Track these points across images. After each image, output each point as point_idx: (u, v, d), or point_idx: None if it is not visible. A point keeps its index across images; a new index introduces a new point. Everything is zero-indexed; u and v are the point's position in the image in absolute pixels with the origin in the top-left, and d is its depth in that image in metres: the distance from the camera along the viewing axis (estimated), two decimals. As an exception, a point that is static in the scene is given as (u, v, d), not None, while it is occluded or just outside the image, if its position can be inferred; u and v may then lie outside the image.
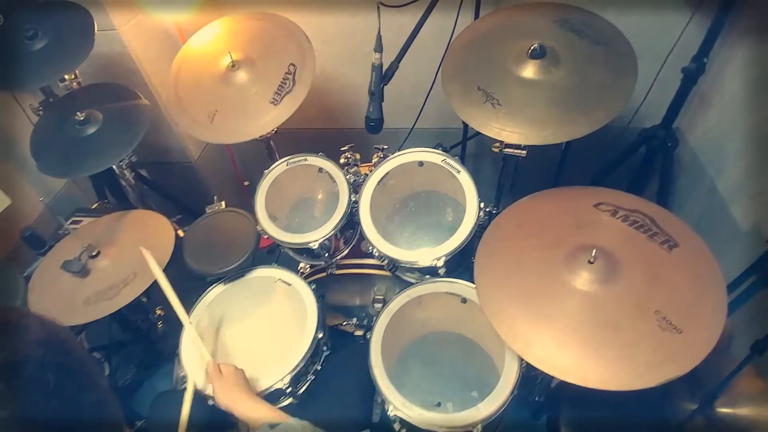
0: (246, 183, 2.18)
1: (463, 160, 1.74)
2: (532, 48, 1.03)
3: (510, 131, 1.00)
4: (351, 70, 1.83)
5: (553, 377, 1.47)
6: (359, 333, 1.58)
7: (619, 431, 1.25)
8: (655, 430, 1.30)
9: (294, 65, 1.26)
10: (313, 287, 1.31)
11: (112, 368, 1.84)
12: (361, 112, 1.94)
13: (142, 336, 1.77)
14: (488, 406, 1.05)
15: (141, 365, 1.83)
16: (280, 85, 1.23)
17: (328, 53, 1.75)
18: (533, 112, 1.01)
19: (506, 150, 1.28)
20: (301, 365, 1.18)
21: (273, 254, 2.06)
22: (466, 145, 1.81)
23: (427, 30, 1.21)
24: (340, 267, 1.46)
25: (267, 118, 1.21)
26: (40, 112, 1.48)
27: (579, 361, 0.94)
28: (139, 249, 1.13)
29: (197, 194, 1.97)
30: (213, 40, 1.41)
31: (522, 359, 1.12)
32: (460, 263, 1.37)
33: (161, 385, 1.76)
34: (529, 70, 1.04)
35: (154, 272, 1.10)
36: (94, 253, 1.19)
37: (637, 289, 1.00)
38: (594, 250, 1.01)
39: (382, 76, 1.07)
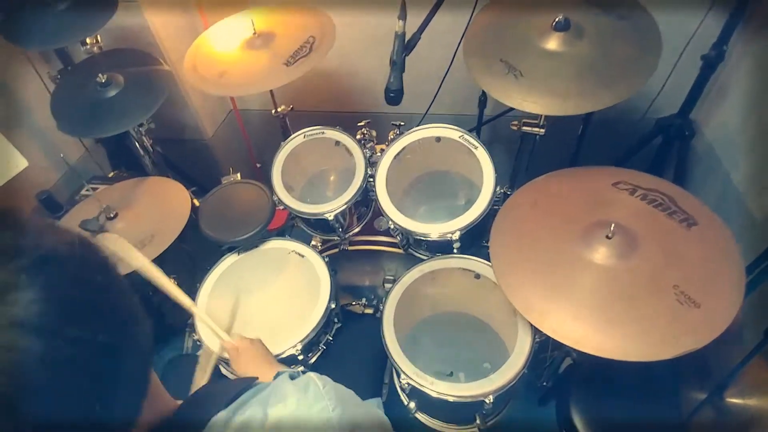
0: (258, 165, 2.19)
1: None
2: (556, 20, 1.03)
3: (531, 102, 1.01)
4: (367, 54, 1.84)
5: (561, 361, 1.47)
6: (369, 311, 1.58)
7: (627, 414, 1.24)
8: (665, 417, 1.29)
9: (314, 37, 1.27)
10: (326, 260, 1.32)
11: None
12: (376, 96, 1.96)
13: (152, 309, 1.77)
14: (501, 377, 1.05)
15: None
16: (296, 51, 1.24)
17: (344, 37, 1.76)
18: (555, 83, 1.01)
19: (524, 128, 1.29)
20: (314, 334, 1.18)
21: (283, 234, 2.07)
22: (481, 131, 1.81)
23: (445, 12, 1.21)
24: (352, 243, 1.46)
25: (278, 76, 1.22)
26: (58, 80, 1.49)
27: (595, 332, 0.94)
28: (157, 212, 1.13)
29: (209, 172, 1.98)
30: (238, 22, 1.42)
31: (535, 334, 1.12)
32: (472, 245, 1.37)
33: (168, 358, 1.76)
34: (553, 43, 1.04)
35: (139, 264, 0.96)
36: (111, 215, 1.19)
37: (655, 264, 0.99)
38: (612, 225, 1.01)
39: (405, 46, 1.07)
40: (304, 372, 0.58)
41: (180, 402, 0.53)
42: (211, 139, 2.03)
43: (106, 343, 0.35)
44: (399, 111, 1.80)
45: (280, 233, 2.10)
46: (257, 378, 0.61)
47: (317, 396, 0.52)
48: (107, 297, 0.38)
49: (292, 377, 0.58)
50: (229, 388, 0.54)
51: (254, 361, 0.99)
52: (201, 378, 1.02)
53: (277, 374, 0.60)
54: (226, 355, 1.10)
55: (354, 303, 1.62)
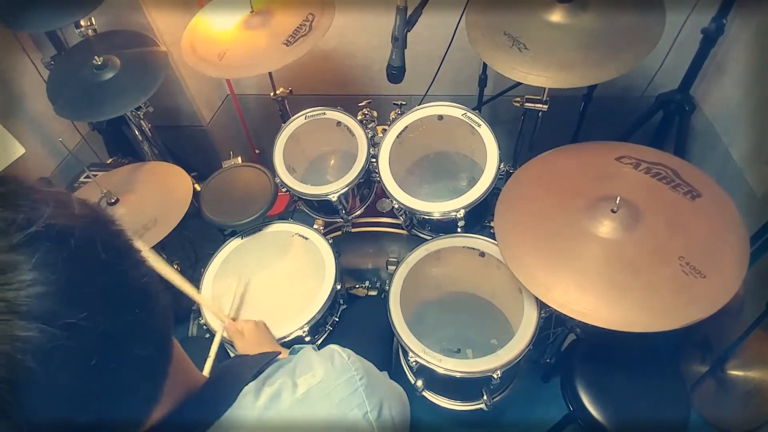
0: (257, 151, 2.17)
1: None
2: (560, -8, 1.02)
3: (536, 75, 1.00)
4: (365, 35, 1.82)
5: (565, 338, 1.49)
6: (372, 293, 1.58)
7: (632, 388, 1.26)
8: (668, 388, 1.31)
9: (313, 14, 1.24)
10: (330, 242, 1.31)
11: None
12: (375, 77, 1.94)
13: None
14: (508, 352, 1.05)
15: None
16: (296, 30, 1.22)
17: (342, 18, 1.74)
18: (560, 55, 1.00)
19: (527, 104, 1.28)
20: (320, 315, 1.18)
21: (284, 219, 2.06)
22: (481, 111, 1.79)
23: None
24: (355, 225, 1.46)
25: (278, 57, 1.20)
26: (52, 65, 1.47)
27: (601, 304, 0.94)
28: (158, 196, 1.12)
29: (208, 159, 1.97)
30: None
31: (541, 309, 1.12)
32: (476, 224, 1.37)
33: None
34: (557, 15, 1.03)
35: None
36: (112, 200, 1.18)
37: (659, 236, 1.00)
38: (618, 198, 1.01)
39: (406, 21, 1.06)
40: (319, 347, 0.58)
41: (206, 375, 0.52)
42: (209, 126, 2.01)
43: (109, 331, 0.32)
44: (399, 92, 1.78)
45: (282, 218, 2.10)
46: (279, 353, 0.62)
47: (344, 366, 0.52)
48: (113, 278, 0.34)
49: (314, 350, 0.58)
50: (253, 362, 0.54)
51: (259, 343, 0.99)
52: (208, 365, 1.02)
53: (292, 349, 0.60)
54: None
55: (357, 286, 1.62)
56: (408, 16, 1.07)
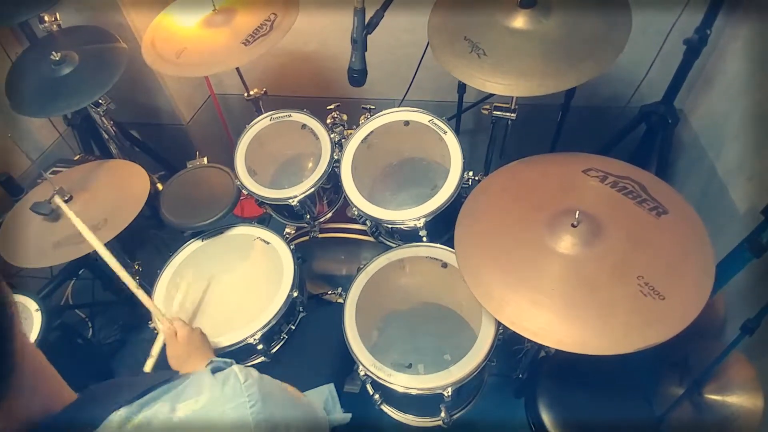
0: (238, 151, 2.15)
1: (458, 134, 1.69)
2: (522, -4, 0.98)
3: (494, 82, 0.96)
4: (347, 38, 1.79)
5: (537, 353, 1.44)
6: (341, 300, 1.55)
7: (597, 409, 1.21)
8: (634, 410, 1.26)
9: (275, 14, 1.22)
10: (292, 247, 1.28)
11: (95, 328, 1.84)
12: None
13: (124, 296, 1.75)
14: (460, 370, 1.01)
15: (124, 326, 1.81)
16: (256, 29, 1.20)
17: (324, 20, 1.71)
18: (520, 62, 0.96)
19: (495, 112, 1.24)
20: (273, 322, 1.15)
21: (263, 223, 2.03)
22: (461, 118, 1.76)
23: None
24: (323, 231, 1.43)
25: (235, 56, 1.18)
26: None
27: (554, 323, 0.90)
28: (113, 196, 1.10)
29: (187, 158, 1.94)
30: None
31: (499, 325, 1.08)
32: (444, 232, 1.33)
33: (143, 345, 1.75)
34: (519, 21, 0.99)
35: (84, 234, 1.00)
36: (66, 198, 1.16)
37: (620, 253, 0.95)
38: (577, 213, 0.97)
39: (365, 24, 1.03)
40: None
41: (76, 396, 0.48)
42: (189, 125, 1.99)
43: None
44: (379, 97, 1.76)
45: (261, 221, 2.07)
46: (177, 373, 0.58)
47: (235, 391, 0.49)
48: None
49: (216, 370, 0.53)
50: (138, 383, 0.49)
51: (188, 350, 0.96)
52: (149, 365, 1.00)
53: (210, 361, 0.57)
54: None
55: (330, 292, 1.58)
56: (369, 19, 1.04)
